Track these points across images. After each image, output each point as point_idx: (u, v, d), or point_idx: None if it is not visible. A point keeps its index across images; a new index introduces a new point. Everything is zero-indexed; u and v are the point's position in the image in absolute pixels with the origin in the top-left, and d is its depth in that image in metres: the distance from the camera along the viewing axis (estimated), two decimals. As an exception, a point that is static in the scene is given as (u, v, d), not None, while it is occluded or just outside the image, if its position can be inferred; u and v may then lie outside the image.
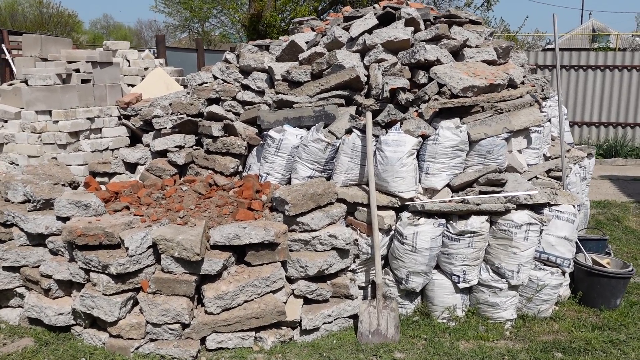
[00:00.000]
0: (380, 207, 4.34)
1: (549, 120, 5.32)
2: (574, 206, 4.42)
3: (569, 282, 4.70)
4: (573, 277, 4.74)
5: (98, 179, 5.51)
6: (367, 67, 5.01)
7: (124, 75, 7.25)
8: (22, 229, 4.21)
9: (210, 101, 5.67)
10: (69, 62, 6.05)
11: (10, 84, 6.14)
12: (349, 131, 4.60)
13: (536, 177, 4.86)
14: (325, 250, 4.20)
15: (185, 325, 3.80)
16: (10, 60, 7.86)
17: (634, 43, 23.92)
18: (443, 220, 4.25)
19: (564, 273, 4.45)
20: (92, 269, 3.81)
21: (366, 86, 4.94)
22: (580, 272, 4.66)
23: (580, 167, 5.75)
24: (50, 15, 28.95)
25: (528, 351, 3.91)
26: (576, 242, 4.69)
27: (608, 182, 9.23)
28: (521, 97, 4.88)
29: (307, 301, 4.20)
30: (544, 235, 4.32)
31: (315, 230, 4.21)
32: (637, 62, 12.08)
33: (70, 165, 5.70)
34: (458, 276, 4.24)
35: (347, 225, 4.44)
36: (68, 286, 4.10)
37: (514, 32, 20.71)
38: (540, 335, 4.18)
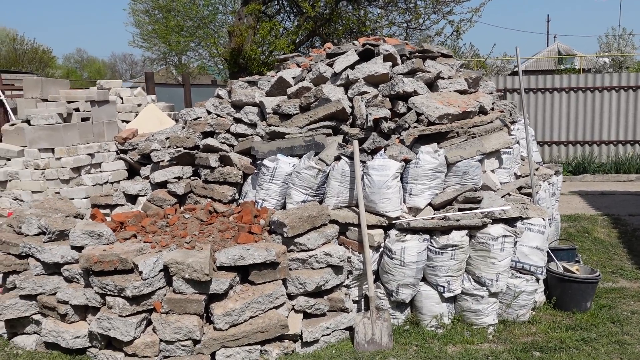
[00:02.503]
0: (369, 226, 4.75)
1: (518, 142, 5.83)
2: (543, 219, 4.89)
3: (543, 289, 5.14)
4: (547, 284, 5.19)
5: (100, 211, 5.82)
6: (350, 100, 5.47)
7: (118, 112, 7.62)
8: (38, 259, 4.52)
9: (205, 134, 6.06)
10: (69, 102, 6.41)
11: (12, 124, 6.46)
12: (337, 158, 5.03)
13: (509, 194, 5.34)
14: (321, 268, 4.57)
15: (196, 342, 4.13)
16: (3, 100, 8.12)
17: (598, 64, 25.02)
18: (427, 236, 4.67)
19: (537, 280, 4.90)
20: (108, 293, 4.13)
21: (351, 117, 5.39)
22: (553, 279, 5.11)
23: (549, 184, 6.24)
24: (25, 52, 29.20)
25: (509, 352, 4.32)
26: (548, 252, 5.15)
27: (578, 197, 9.80)
28: (491, 122, 5.38)
29: (307, 315, 4.56)
30: (518, 246, 4.77)
31: (311, 250, 4.59)
32: (599, 83, 12.84)
33: (73, 199, 6.02)
34: (443, 286, 4.65)
35: (339, 244, 4.83)
36: (83, 311, 4.40)
37: (483, 57, 21.59)
38: (520, 337, 4.60)
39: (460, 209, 4.77)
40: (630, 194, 9.98)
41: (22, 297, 4.49)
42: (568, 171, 12.37)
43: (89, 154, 6.26)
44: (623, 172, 12.07)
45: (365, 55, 5.78)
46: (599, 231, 7.67)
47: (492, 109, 5.77)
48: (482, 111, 5.52)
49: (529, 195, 5.57)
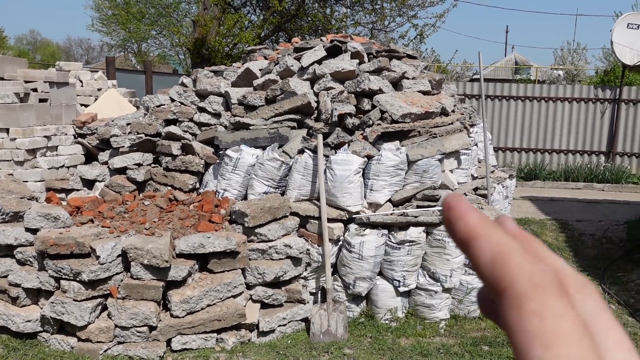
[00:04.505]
0: (330, 220, 4.81)
1: (476, 145, 6.01)
2: (497, 219, 5.06)
3: (494, 287, 5.32)
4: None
5: (56, 195, 5.68)
6: (316, 94, 5.52)
7: (78, 95, 7.44)
8: (-11, 241, 4.39)
9: (168, 122, 6.00)
10: (26, 82, 6.23)
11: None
12: (301, 151, 5.07)
13: (465, 194, 5.49)
14: (280, 259, 4.61)
15: (152, 328, 4.10)
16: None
17: (552, 76, 25.88)
18: (385, 231, 4.77)
19: (489, 278, 5.07)
20: (63, 276, 4.06)
21: (316, 111, 5.44)
22: (504, 277, 5.29)
23: (503, 187, 6.46)
24: (-26, 29, 28.11)
25: (460, 345, 4.47)
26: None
27: (528, 202, 10.14)
28: (452, 123, 5.53)
29: (264, 305, 4.59)
30: (473, 244, 4.92)
31: (271, 241, 4.62)
32: (554, 94, 13.31)
33: (27, 181, 5.85)
34: (399, 281, 4.77)
35: (299, 236, 4.88)
36: (35, 294, 4.30)
37: (444, 62, 22.00)
38: (470, 332, 4.75)
39: (418, 206, 4.89)
40: (578, 201, 10.41)
41: (-30, 278, 4.36)
42: (520, 177, 12.75)
43: (45, 136, 6.10)
44: (572, 180, 12.55)
45: (333, 51, 5.85)
46: (548, 235, 7.97)
47: (453, 111, 5.92)
48: (444, 112, 5.66)
49: (484, 196, 5.76)
